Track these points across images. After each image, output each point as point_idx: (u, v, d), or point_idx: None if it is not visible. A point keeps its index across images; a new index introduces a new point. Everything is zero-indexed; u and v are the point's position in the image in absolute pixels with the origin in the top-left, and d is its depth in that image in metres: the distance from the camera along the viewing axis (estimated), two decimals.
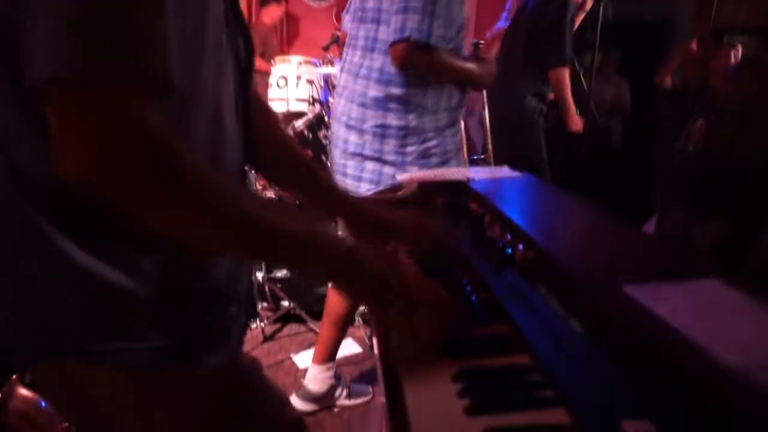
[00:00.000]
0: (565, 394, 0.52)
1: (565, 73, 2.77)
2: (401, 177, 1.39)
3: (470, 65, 1.69)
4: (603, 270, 0.76)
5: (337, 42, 4.00)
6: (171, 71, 0.52)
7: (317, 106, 3.13)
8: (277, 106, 3.41)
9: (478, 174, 1.37)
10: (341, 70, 1.78)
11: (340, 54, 4.17)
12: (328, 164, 2.96)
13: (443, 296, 0.63)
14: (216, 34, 0.65)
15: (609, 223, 1.08)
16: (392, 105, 1.62)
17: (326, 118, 2.95)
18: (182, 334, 0.63)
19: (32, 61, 0.49)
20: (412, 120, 1.63)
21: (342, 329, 1.86)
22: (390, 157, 1.65)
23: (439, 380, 0.58)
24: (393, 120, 1.63)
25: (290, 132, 2.83)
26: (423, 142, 1.66)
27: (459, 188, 1.28)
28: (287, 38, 5.34)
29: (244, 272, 0.75)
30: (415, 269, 0.66)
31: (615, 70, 4.17)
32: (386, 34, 1.57)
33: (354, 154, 1.68)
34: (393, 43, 1.52)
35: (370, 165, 1.66)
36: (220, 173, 0.63)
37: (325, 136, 2.87)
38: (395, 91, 1.60)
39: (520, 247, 0.85)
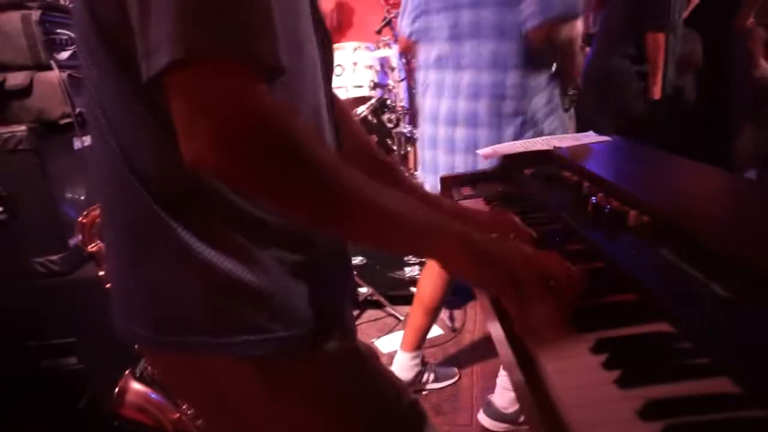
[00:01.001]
0: (726, 361, 0.48)
1: (659, 38, 2.61)
2: (483, 151, 1.34)
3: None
4: (736, 226, 0.70)
5: (389, 24, 3.97)
6: (279, 52, 0.52)
7: (378, 91, 3.12)
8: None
9: (563, 142, 1.31)
10: (426, 68, 1.71)
11: (394, 36, 4.14)
12: (395, 150, 2.97)
13: (573, 269, 0.60)
14: (307, 27, 0.64)
15: (718, 177, 1.01)
16: (508, 90, 1.54)
17: (388, 101, 2.94)
18: (302, 323, 0.63)
19: (150, 53, 0.49)
20: (529, 105, 1.56)
21: (434, 317, 1.86)
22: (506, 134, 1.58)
23: (576, 353, 0.54)
24: (508, 108, 1.56)
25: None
26: (538, 127, 1.59)
27: (547, 157, 1.22)
28: (340, 27, 5.33)
29: (350, 260, 0.74)
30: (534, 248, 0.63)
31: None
32: (502, 15, 1.49)
33: (466, 150, 1.62)
34: (537, 27, 1.45)
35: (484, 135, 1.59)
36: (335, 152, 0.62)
37: (390, 120, 2.86)
38: (510, 74, 1.53)
39: (631, 211, 0.80)
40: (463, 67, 1.59)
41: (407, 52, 2.01)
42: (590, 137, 1.35)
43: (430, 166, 1.74)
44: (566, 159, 1.14)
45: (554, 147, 1.25)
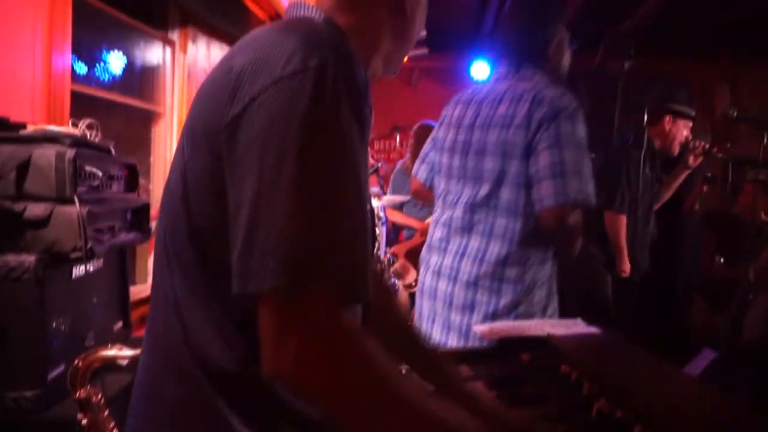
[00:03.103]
0: None
1: (616, 217, 2.77)
2: (480, 328, 1.41)
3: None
4: None
5: (376, 172, 4.23)
6: (369, 288, 0.59)
7: None
8: None
9: (556, 329, 1.40)
10: (441, 225, 1.79)
11: (378, 184, 4.36)
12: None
13: None
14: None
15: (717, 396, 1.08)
16: (513, 260, 1.63)
17: (375, 249, 3.05)
18: None
19: (251, 272, 0.55)
20: (528, 275, 1.65)
21: None
22: (503, 312, 1.64)
23: None
24: (510, 276, 1.63)
25: None
26: (534, 295, 1.66)
27: (543, 345, 1.30)
28: None
29: None
30: None
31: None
32: (517, 195, 1.60)
33: (463, 308, 1.68)
34: (549, 208, 1.54)
35: (479, 320, 1.66)
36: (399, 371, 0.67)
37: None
38: (517, 248, 1.62)
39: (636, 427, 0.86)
40: (474, 234, 1.68)
41: (418, 197, 2.11)
42: (579, 326, 1.44)
43: (428, 317, 1.79)
44: (563, 350, 1.22)
45: (548, 334, 1.33)
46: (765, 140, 2.68)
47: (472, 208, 1.69)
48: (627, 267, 2.91)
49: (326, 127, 0.57)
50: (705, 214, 4.34)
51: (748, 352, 2.62)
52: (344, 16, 0.75)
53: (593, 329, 1.42)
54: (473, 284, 1.66)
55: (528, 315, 1.65)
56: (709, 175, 3.52)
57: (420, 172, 1.94)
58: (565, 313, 3.00)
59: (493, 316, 1.64)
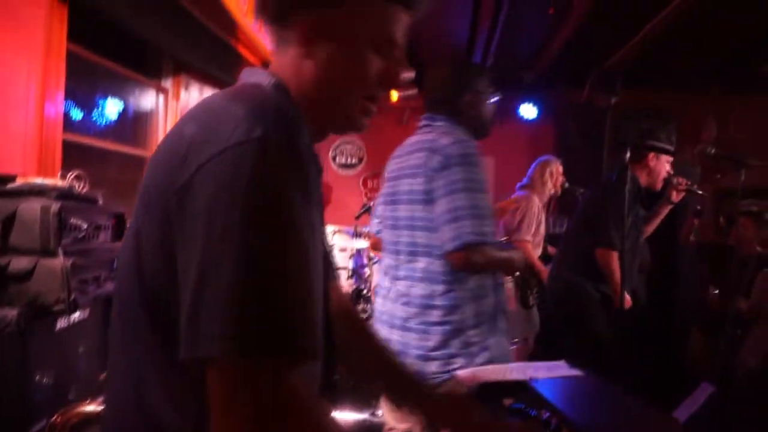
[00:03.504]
0: None
1: (608, 254, 2.79)
2: (462, 374, 1.41)
3: (511, 254, 1.82)
4: None
5: (369, 211, 4.26)
6: (318, 347, 0.60)
7: (355, 279, 3.24)
8: None
9: (538, 372, 1.39)
10: (382, 273, 1.90)
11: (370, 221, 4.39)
12: None
13: None
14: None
15: None
16: (435, 302, 1.70)
17: (364, 291, 3.05)
18: None
19: (198, 339, 0.57)
20: (455, 314, 1.70)
21: None
22: (434, 353, 1.69)
23: None
24: (436, 316, 1.69)
25: None
26: (465, 334, 1.70)
27: (523, 390, 1.29)
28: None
29: None
30: None
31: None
32: (429, 239, 1.70)
33: (399, 351, 1.71)
34: (452, 251, 1.63)
35: (413, 362, 1.69)
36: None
37: (364, 310, 2.93)
38: (438, 287, 1.70)
39: None
40: (400, 278, 1.78)
41: (375, 249, 2.20)
42: (563, 369, 1.43)
43: None
44: (544, 398, 1.21)
45: (530, 377, 1.33)
46: (742, 176, 2.70)
47: (398, 253, 1.80)
48: (628, 300, 2.91)
49: (268, 197, 0.59)
50: (700, 246, 4.35)
51: (742, 388, 2.60)
52: (295, 78, 0.78)
53: (576, 372, 1.41)
54: (404, 327, 1.72)
55: (461, 356, 1.68)
56: (699, 207, 3.54)
57: (372, 226, 2.07)
58: (560, 350, 2.99)
59: (425, 358, 1.68)
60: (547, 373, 1.39)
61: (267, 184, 0.59)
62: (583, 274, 2.88)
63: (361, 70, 0.79)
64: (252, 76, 0.79)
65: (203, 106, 0.70)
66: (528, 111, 5.46)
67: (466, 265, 1.65)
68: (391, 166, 1.90)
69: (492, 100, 1.91)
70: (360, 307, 2.98)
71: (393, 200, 1.83)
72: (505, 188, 4.08)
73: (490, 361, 1.69)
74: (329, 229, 3.67)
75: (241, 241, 0.57)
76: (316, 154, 0.82)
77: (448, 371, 1.64)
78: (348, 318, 1.01)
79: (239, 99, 0.67)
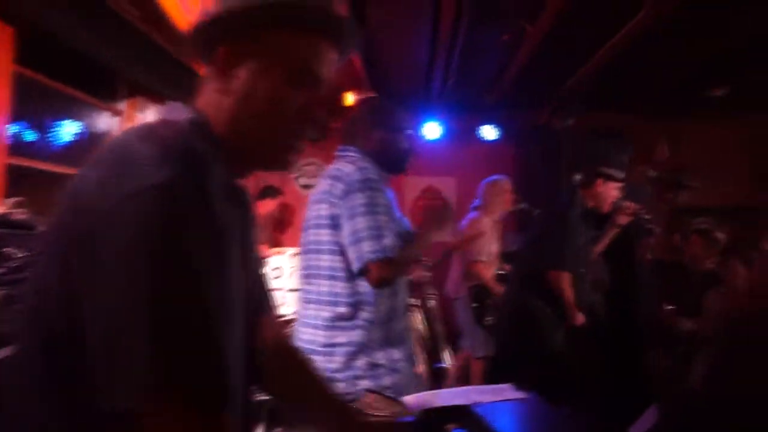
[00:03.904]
0: None
1: (560, 275, 2.85)
2: (407, 399, 1.40)
3: (415, 244, 1.87)
4: None
5: None
6: (229, 383, 0.59)
7: None
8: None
9: (482, 396, 1.39)
10: (299, 298, 1.93)
11: None
12: None
13: None
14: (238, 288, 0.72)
15: None
16: (340, 323, 1.76)
17: None
18: None
19: (111, 389, 0.56)
20: (359, 336, 1.75)
21: None
22: (339, 375, 1.73)
23: None
24: (341, 338, 1.75)
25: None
26: (370, 356, 1.76)
27: (464, 415, 1.29)
28: (281, 226, 5.59)
29: None
30: None
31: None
32: (333, 262, 1.78)
33: None
34: (359, 272, 1.73)
35: None
36: None
37: None
38: (342, 309, 1.76)
39: None
40: (311, 301, 1.84)
41: None
42: (508, 392, 1.44)
43: None
44: (486, 424, 1.21)
45: (473, 402, 1.33)
46: (681, 196, 2.82)
47: (307, 277, 1.86)
48: (580, 318, 2.96)
49: (170, 246, 0.59)
50: (656, 264, 4.45)
51: (690, 411, 2.63)
52: (216, 113, 0.77)
53: (522, 395, 1.42)
54: (312, 351, 1.76)
55: (366, 378, 1.74)
56: (651, 227, 3.64)
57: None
58: (514, 369, 3.00)
59: (330, 380, 1.70)
60: (491, 397, 1.39)
61: (170, 232, 0.59)
62: (536, 294, 2.93)
63: (278, 105, 0.77)
64: (172, 113, 0.78)
65: (113, 147, 0.69)
66: (488, 132, 5.55)
67: (379, 281, 1.73)
68: (311, 194, 1.98)
69: (409, 134, 2.00)
70: None
71: (306, 225, 1.90)
72: (465, 208, 4.13)
73: (396, 384, 1.75)
74: (289, 251, 3.64)
75: (145, 291, 0.57)
76: (240, 190, 0.81)
77: (355, 393, 1.65)
78: (282, 350, 1.00)
79: (149, 140, 0.66)
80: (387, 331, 1.81)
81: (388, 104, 2.06)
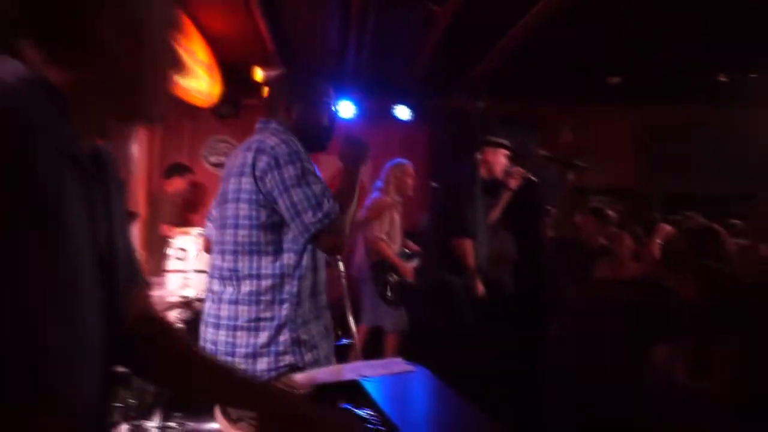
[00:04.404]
0: None
1: (462, 242, 2.99)
2: (299, 377, 1.40)
3: (345, 190, 1.86)
4: None
5: None
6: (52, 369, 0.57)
7: None
8: (176, 278, 3.41)
9: (372, 370, 1.42)
10: (210, 276, 1.87)
11: None
12: None
13: None
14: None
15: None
16: (265, 297, 1.72)
17: None
18: None
19: None
20: (286, 309, 1.73)
21: None
22: (264, 350, 1.71)
23: None
24: (267, 312, 1.72)
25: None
26: (294, 331, 1.74)
27: (353, 390, 1.31)
28: (192, 206, 5.39)
29: None
30: None
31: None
32: (253, 237, 1.73)
33: (225, 354, 1.71)
34: (308, 242, 1.71)
35: (241, 362, 1.70)
36: None
37: None
38: (267, 283, 1.72)
39: None
40: (227, 278, 1.78)
41: (207, 252, 2.13)
42: (398, 365, 1.48)
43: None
44: (368, 395, 1.23)
45: (360, 377, 1.35)
46: (570, 176, 3.04)
47: (223, 253, 1.79)
48: (480, 287, 3.10)
49: None
50: (557, 241, 4.71)
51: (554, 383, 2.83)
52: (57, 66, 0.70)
53: (410, 367, 1.46)
54: (233, 327, 1.73)
55: (289, 354, 1.73)
56: (550, 208, 3.84)
57: (207, 229, 2.03)
58: (429, 343, 3.09)
59: (255, 356, 1.71)
60: (379, 371, 1.42)
61: None
62: (447, 267, 3.04)
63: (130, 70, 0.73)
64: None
65: None
66: (403, 113, 5.60)
67: (330, 247, 1.73)
68: (226, 166, 1.90)
69: (330, 109, 1.96)
70: None
71: (222, 200, 1.83)
72: None
73: (317, 360, 1.75)
74: (195, 231, 3.52)
75: None
76: (98, 153, 0.76)
77: (278, 368, 1.67)
78: (152, 326, 0.95)
79: None
80: (311, 305, 1.79)
81: (310, 77, 2.00)
